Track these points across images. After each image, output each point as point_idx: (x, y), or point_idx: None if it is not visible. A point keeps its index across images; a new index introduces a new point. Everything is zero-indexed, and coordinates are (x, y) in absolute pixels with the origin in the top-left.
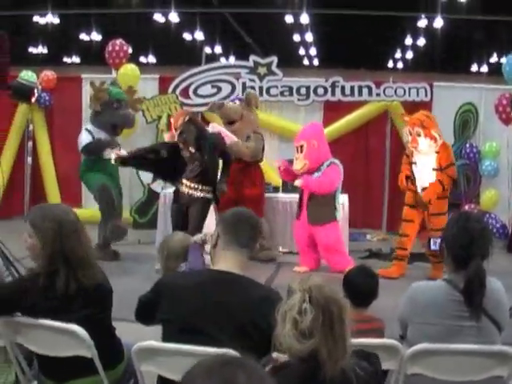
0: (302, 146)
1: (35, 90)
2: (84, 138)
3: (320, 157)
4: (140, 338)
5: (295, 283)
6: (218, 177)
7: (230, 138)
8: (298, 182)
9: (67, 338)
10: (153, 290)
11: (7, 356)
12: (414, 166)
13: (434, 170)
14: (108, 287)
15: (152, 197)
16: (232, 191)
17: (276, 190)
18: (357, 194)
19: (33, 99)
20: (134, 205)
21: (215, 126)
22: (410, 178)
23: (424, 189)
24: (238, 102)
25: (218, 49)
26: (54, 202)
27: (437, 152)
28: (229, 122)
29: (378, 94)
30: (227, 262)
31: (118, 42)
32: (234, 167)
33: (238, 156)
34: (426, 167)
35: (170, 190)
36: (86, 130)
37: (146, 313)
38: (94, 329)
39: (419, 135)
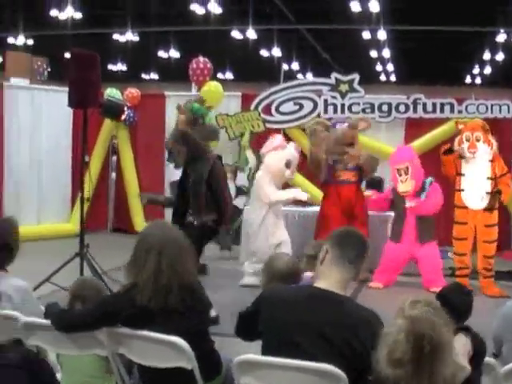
0: (406, 168)
1: (125, 108)
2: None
3: (421, 176)
4: (233, 352)
5: (406, 305)
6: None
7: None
8: (411, 204)
9: (168, 350)
10: (253, 304)
11: (109, 365)
12: (462, 178)
13: (488, 178)
14: (206, 299)
15: (234, 213)
16: (345, 209)
17: None
18: (439, 211)
19: (122, 117)
20: None
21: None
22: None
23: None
24: (346, 125)
25: (296, 65)
26: (137, 217)
27: (491, 161)
28: (350, 143)
29: (459, 111)
30: (331, 278)
31: (202, 59)
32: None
33: (373, 170)
34: (478, 177)
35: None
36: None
37: (246, 327)
38: (193, 341)
39: (479, 140)
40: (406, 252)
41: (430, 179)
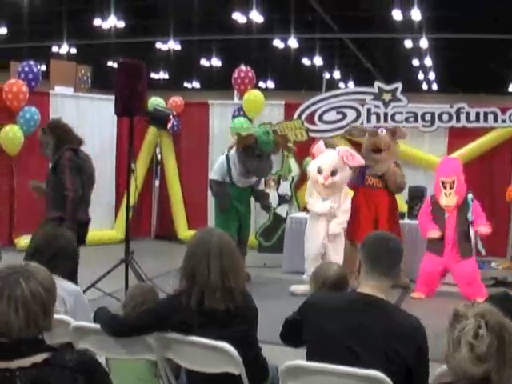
0: (452, 182)
1: (171, 117)
2: (218, 165)
3: (465, 191)
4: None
5: (462, 309)
6: None
7: (358, 160)
8: (484, 230)
9: (217, 355)
10: (299, 310)
11: (157, 370)
12: None
13: None
14: (254, 305)
15: (277, 221)
16: (372, 212)
17: (402, 216)
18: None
19: (169, 125)
20: (259, 229)
21: (343, 149)
22: None
23: None
24: (384, 131)
25: (337, 74)
26: (180, 225)
27: None
28: (376, 150)
29: (503, 121)
30: (371, 287)
31: (244, 68)
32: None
33: (398, 184)
34: None
35: (297, 214)
36: (227, 156)
37: (292, 333)
38: (242, 346)
39: None
40: (445, 265)
41: (471, 196)
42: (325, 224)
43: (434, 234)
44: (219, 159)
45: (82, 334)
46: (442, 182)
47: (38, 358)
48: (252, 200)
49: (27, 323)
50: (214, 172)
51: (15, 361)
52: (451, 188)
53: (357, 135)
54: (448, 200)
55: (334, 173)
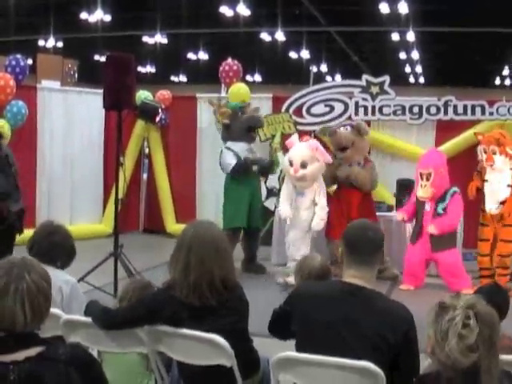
0: (429, 174)
1: (159, 110)
2: (229, 159)
3: (444, 185)
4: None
5: (449, 300)
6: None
7: (326, 157)
8: (431, 229)
9: (208, 347)
10: (286, 301)
11: (148, 363)
12: (485, 183)
13: (508, 186)
14: (245, 298)
15: (265, 214)
16: (346, 220)
17: (389, 209)
18: (469, 213)
19: (157, 119)
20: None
21: (314, 143)
22: (481, 191)
23: (502, 203)
24: (349, 128)
25: (324, 67)
26: (168, 218)
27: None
28: (340, 149)
29: (491, 113)
30: (353, 276)
31: (231, 61)
32: (347, 195)
33: (361, 186)
34: (500, 184)
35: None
36: (227, 148)
37: (280, 324)
38: (232, 338)
39: (495, 153)
40: (423, 254)
41: (453, 189)
42: (306, 214)
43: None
44: (225, 157)
45: (73, 327)
46: (420, 174)
47: (32, 351)
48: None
49: (33, 316)
50: (229, 163)
51: (9, 355)
52: (427, 180)
53: (325, 135)
54: (423, 191)
55: (303, 165)
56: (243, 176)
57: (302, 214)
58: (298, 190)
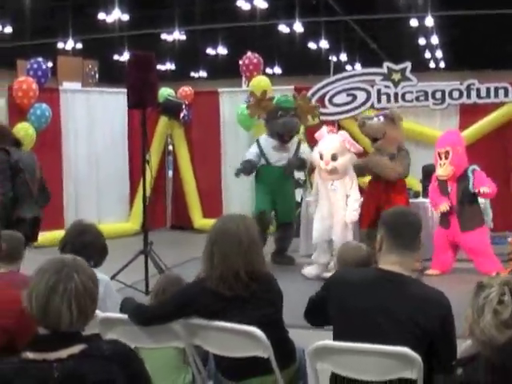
0: (446, 152)
1: (183, 107)
2: (248, 152)
3: (463, 163)
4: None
5: (487, 280)
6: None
7: (356, 147)
8: (484, 189)
9: (244, 339)
10: (323, 288)
11: (185, 357)
12: None
13: None
14: (278, 289)
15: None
16: (374, 209)
17: (416, 195)
18: (496, 197)
19: (181, 115)
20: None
21: (343, 135)
22: None
23: None
24: (382, 118)
25: (344, 56)
26: (196, 213)
27: None
28: (372, 140)
29: None
30: (393, 262)
31: (251, 54)
32: (375, 186)
33: (382, 175)
34: None
35: (311, 198)
36: (257, 141)
37: (316, 311)
38: (268, 329)
39: None
40: (451, 237)
41: (472, 167)
42: (328, 208)
43: (444, 207)
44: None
45: (110, 324)
46: (438, 153)
47: (75, 349)
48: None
49: (79, 316)
50: (245, 156)
51: (52, 352)
52: (446, 158)
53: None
54: (442, 170)
55: (334, 157)
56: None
57: (336, 208)
58: (329, 183)
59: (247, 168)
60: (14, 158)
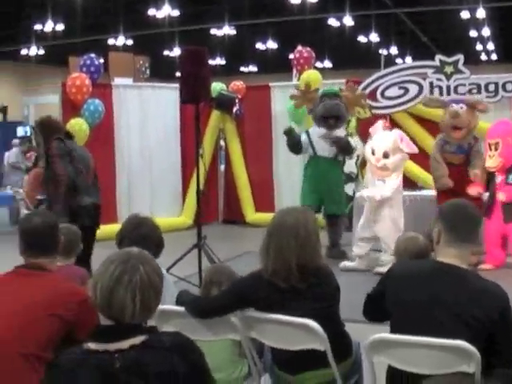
0: (496, 144)
1: (236, 101)
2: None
3: None
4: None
5: None
6: None
7: (410, 147)
8: (501, 197)
9: (301, 332)
10: (380, 282)
11: (241, 349)
12: None
13: None
14: (335, 282)
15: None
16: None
17: None
18: None
19: (234, 109)
20: None
21: (398, 133)
22: None
23: None
24: (464, 106)
25: (394, 50)
26: (248, 208)
27: None
28: (455, 128)
29: None
30: (450, 256)
31: (302, 48)
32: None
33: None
34: None
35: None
36: (306, 131)
37: (374, 307)
38: (325, 322)
39: None
40: (496, 228)
41: None
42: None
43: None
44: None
45: (167, 317)
46: (488, 144)
47: (136, 340)
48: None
49: (142, 309)
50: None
51: (114, 343)
52: (496, 150)
53: (433, 106)
54: (491, 162)
55: (386, 155)
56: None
57: (384, 205)
58: (378, 179)
59: (293, 135)
60: (69, 147)
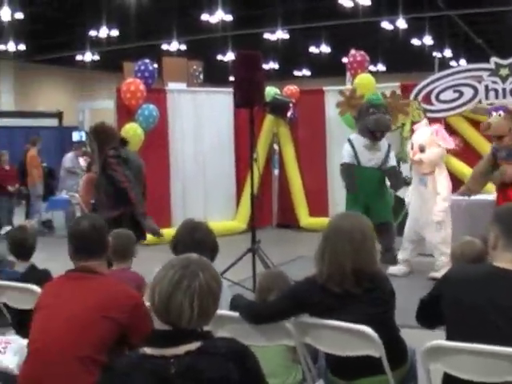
0: None
1: (290, 105)
2: (344, 151)
3: None
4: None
5: None
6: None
7: (447, 142)
8: None
9: (356, 338)
10: (435, 287)
11: (295, 355)
12: None
13: None
14: (391, 288)
15: (398, 203)
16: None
17: None
18: None
19: (288, 114)
20: None
21: (436, 128)
22: None
23: None
24: (502, 113)
25: (448, 52)
26: (302, 212)
27: None
28: (497, 137)
29: None
30: (507, 261)
31: (356, 52)
32: None
33: None
34: None
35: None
36: (348, 140)
37: (428, 313)
38: (380, 328)
39: None
40: None
41: None
42: (419, 205)
43: None
44: (344, 148)
45: (221, 322)
46: None
47: (192, 346)
48: None
49: (199, 315)
50: (342, 156)
51: (170, 348)
52: None
53: (480, 114)
54: None
55: (422, 149)
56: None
57: (428, 206)
58: (420, 178)
59: (351, 184)
60: (123, 156)
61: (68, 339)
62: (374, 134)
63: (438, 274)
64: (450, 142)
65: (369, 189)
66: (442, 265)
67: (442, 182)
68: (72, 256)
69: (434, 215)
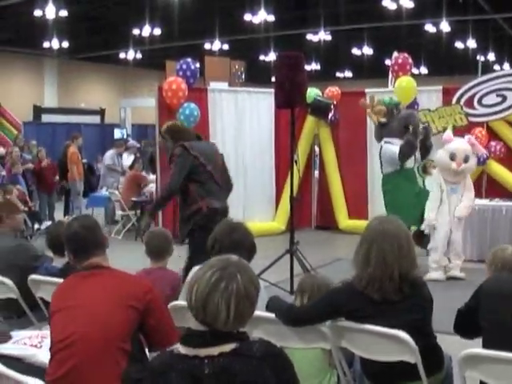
0: None
1: (332, 107)
2: (390, 148)
3: None
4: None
5: None
6: None
7: (479, 149)
8: None
9: (392, 343)
10: (473, 297)
11: (331, 359)
12: None
13: None
14: (429, 295)
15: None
16: None
17: None
18: None
19: (330, 115)
20: None
21: (470, 138)
22: None
23: None
24: None
25: (492, 56)
26: (341, 214)
27: None
28: None
29: None
30: None
31: (399, 54)
32: None
33: None
34: None
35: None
36: (386, 142)
37: (466, 322)
38: (417, 335)
39: None
40: None
41: None
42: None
43: None
44: (383, 148)
45: (256, 322)
46: None
47: (227, 347)
48: None
49: (235, 317)
50: (394, 151)
51: (204, 349)
52: None
53: None
54: None
55: (466, 159)
56: (401, 173)
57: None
58: (452, 187)
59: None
60: (193, 152)
61: (96, 334)
62: (407, 131)
63: (452, 273)
64: (481, 148)
65: (415, 187)
66: (457, 263)
67: (470, 186)
68: (73, 259)
69: (460, 210)
